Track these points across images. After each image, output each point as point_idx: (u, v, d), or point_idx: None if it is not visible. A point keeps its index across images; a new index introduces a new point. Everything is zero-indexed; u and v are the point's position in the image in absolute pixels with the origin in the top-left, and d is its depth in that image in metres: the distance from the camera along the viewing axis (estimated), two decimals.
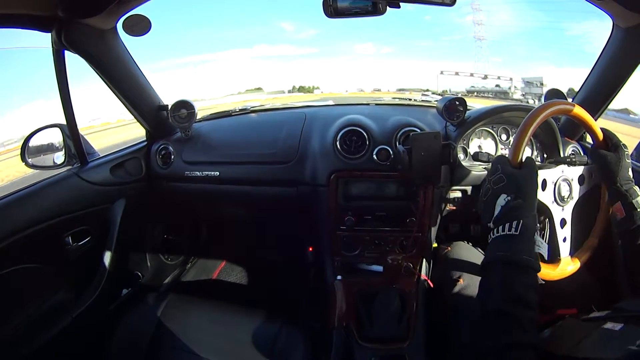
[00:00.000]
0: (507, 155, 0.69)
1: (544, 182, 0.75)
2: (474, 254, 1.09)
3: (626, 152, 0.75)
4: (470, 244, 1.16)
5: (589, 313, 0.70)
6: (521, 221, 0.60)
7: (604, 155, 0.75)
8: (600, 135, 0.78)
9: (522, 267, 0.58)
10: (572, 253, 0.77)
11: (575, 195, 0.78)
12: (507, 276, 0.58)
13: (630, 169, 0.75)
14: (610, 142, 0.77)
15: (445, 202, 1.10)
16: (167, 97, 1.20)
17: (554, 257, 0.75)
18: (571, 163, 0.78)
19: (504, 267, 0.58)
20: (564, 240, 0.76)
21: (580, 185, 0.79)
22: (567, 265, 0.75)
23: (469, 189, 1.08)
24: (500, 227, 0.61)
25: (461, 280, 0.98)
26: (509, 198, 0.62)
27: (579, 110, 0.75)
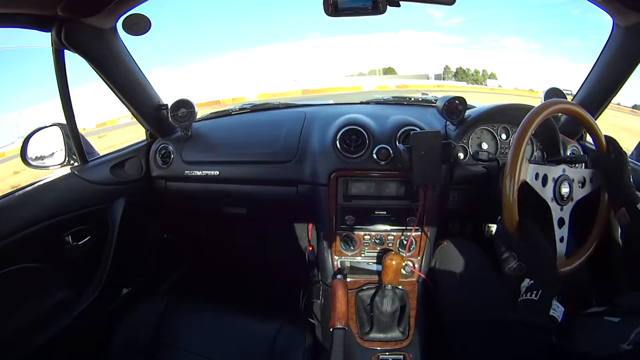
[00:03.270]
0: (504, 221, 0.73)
1: (545, 178, 0.75)
2: (467, 250, 1.09)
3: (628, 160, 0.75)
4: (459, 243, 1.16)
5: (588, 308, 0.71)
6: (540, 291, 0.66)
7: (606, 161, 0.75)
8: (601, 135, 0.78)
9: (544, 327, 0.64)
10: (568, 253, 0.77)
11: (576, 197, 0.78)
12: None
13: (631, 176, 0.75)
14: (612, 146, 0.77)
15: (445, 200, 1.10)
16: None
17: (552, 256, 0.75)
18: (572, 162, 0.78)
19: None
20: (561, 240, 0.76)
21: (581, 187, 0.79)
22: (563, 267, 0.75)
23: (468, 187, 1.08)
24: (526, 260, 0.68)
25: (445, 242, 0.99)
26: (531, 282, 0.68)
27: (580, 110, 0.75)
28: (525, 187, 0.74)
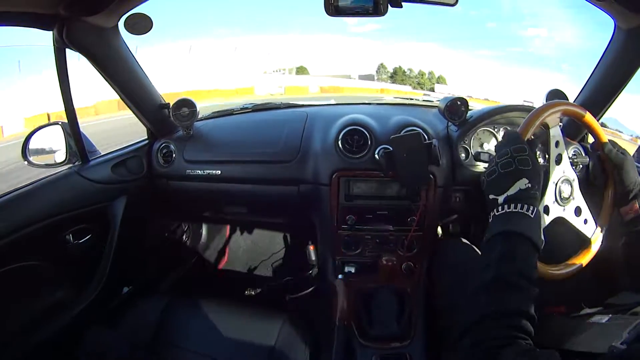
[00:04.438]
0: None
1: (546, 182, 0.75)
2: (464, 251, 1.09)
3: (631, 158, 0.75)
4: (460, 244, 1.16)
5: (578, 311, 0.71)
6: (536, 209, 0.60)
7: (610, 157, 0.75)
8: (603, 137, 0.78)
9: (534, 246, 0.58)
10: (597, 224, 0.78)
11: (576, 196, 0.78)
12: (519, 249, 0.57)
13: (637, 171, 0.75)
14: (616, 146, 0.77)
15: (447, 201, 1.10)
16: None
17: (585, 242, 0.76)
18: (573, 164, 0.79)
19: (517, 241, 0.58)
20: (585, 222, 0.76)
21: (581, 188, 0.79)
22: (598, 239, 0.76)
23: (470, 188, 1.08)
24: (513, 205, 0.60)
25: (455, 276, 0.99)
26: (529, 185, 0.61)
27: (582, 112, 0.75)
28: None
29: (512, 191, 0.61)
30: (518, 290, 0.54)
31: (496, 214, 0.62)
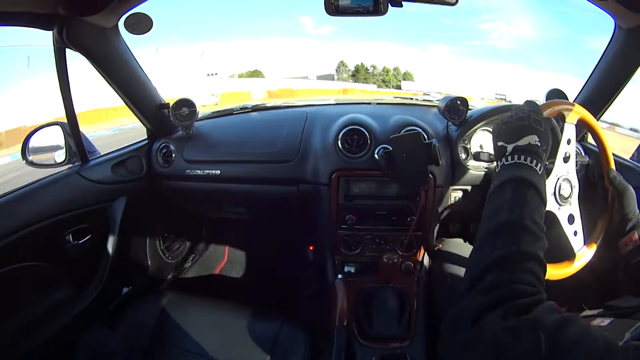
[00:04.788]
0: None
1: (548, 172, 0.75)
2: (463, 251, 1.09)
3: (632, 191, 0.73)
4: (462, 240, 1.16)
5: (579, 312, 0.70)
6: (543, 166, 0.60)
7: (613, 183, 0.74)
8: (612, 165, 0.77)
9: (542, 200, 0.57)
10: (586, 241, 0.76)
11: (573, 203, 0.78)
12: (529, 197, 0.56)
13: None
14: (618, 175, 0.75)
15: (446, 201, 1.10)
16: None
17: (569, 254, 0.75)
18: (567, 160, 0.78)
19: (528, 189, 0.56)
20: (575, 234, 0.75)
21: (580, 187, 0.79)
22: (583, 257, 0.75)
23: (469, 188, 1.08)
24: (523, 157, 0.59)
25: (440, 245, 0.98)
26: (538, 143, 0.61)
27: (583, 111, 0.74)
28: None
29: (522, 143, 0.61)
30: (534, 236, 0.52)
31: (505, 163, 0.61)
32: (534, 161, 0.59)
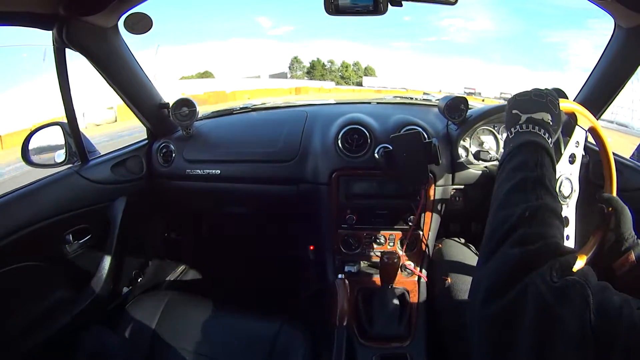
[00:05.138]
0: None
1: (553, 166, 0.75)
2: (463, 252, 1.09)
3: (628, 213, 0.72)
4: (463, 241, 1.16)
5: None
6: (553, 140, 0.60)
7: (612, 201, 0.73)
8: (604, 137, 0.77)
9: (554, 166, 0.56)
10: (576, 250, 0.76)
11: (570, 206, 0.78)
12: (546, 161, 0.55)
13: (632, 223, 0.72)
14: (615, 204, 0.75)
15: (447, 200, 1.10)
16: None
17: None
18: (572, 162, 0.78)
19: (544, 154, 0.56)
20: (567, 238, 0.75)
21: (580, 187, 0.79)
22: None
23: (470, 187, 1.08)
24: (537, 127, 0.59)
25: (449, 279, 0.98)
26: (551, 122, 0.61)
27: (583, 111, 0.74)
28: None
29: (536, 116, 0.61)
30: (553, 196, 0.50)
31: (519, 130, 0.61)
32: (547, 134, 0.59)
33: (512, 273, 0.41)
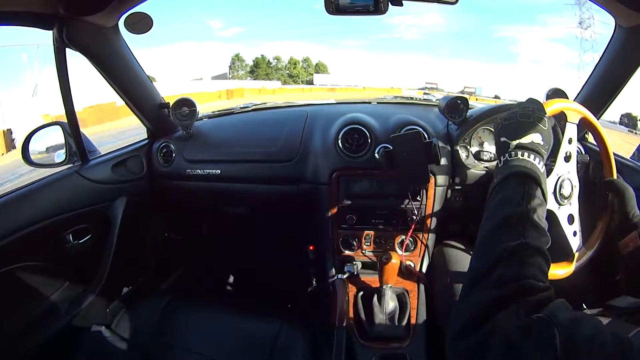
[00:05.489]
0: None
1: (549, 172, 0.75)
2: (462, 252, 1.09)
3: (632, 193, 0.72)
4: (463, 242, 1.16)
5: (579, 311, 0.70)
6: (545, 164, 0.60)
7: (612, 182, 0.74)
8: (604, 137, 0.77)
9: (544, 195, 0.56)
10: (585, 242, 0.76)
11: (573, 203, 0.77)
12: (534, 192, 0.55)
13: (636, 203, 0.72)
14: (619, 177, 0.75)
15: (447, 200, 1.10)
16: None
17: (568, 254, 0.74)
18: (568, 160, 0.78)
19: (532, 185, 0.56)
20: (574, 234, 0.75)
21: (580, 183, 0.79)
22: (582, 258, 0.74)
23: (470, 187, 1.08)
24: (527, 154, 0.59)
25: (451, 278, 0.98)
26: (541, 143, 0.61)
27: (583, 110, 0.74)
28: None
29: (525, 140, 0.61)
30: (539, 231, 0.51)
31: (508, 158, 0.61)
32: (537, 159, 0.59)
33: (484, 313, 0.42)
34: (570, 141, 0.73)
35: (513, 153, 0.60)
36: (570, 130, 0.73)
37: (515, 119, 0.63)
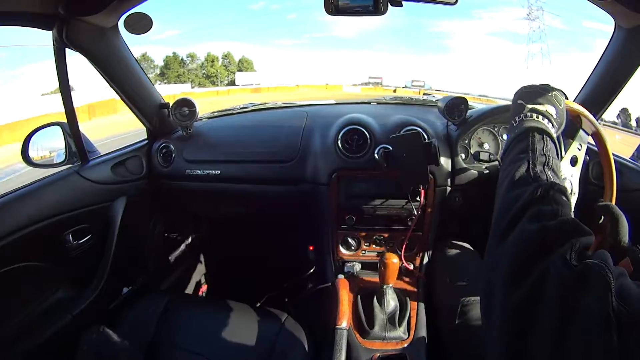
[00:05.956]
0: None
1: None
2: (462, 252, 1.09)
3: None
4: (462, 241, 1.16)
5: None
6: (556, 132, 0.62)
7: (609, 208, 0.74)
8: (604, 138, 0.77)
9: (559, 154, 0.58)
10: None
11: (575, 195, 0.77)
12: (551, 146, 0.56)
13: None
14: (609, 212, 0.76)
15: (446, 201, 1.10)
16: None
17: None
18: (572, 162, 0.78)
19: (549, 138, 0.57)
20: None
21: (579, 187, 0.79)
22: None
23: (469, 187, 1.08)
24: (541, 117, 0.61)
25: (451, 277, 0.98)
26: (555, 116, 0.62)
27: (583, 111, 0.74)
28: None
29: (540, 107, 0.63)
30: (559, 178, 0.51)
31: (523, 118, 0.62)
32: (550, 124, 0.61)
33: (532, 253, 0.40)
34: (580, 147, 0.75)
35: (529, 114, 0.62)
36: (582, 137, 0.75)
37: (535, 88, 0.66)
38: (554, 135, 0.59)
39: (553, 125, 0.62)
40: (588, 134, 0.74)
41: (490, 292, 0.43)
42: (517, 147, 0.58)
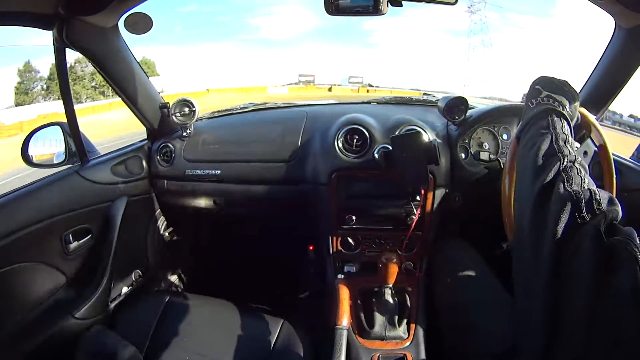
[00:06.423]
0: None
1: None
2: (462, 252, 1.09)
3: None
4: (462, 241, 1.16)
5: None
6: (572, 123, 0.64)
7: None
8: (604, 137, 0.77)
9: (574, 134, 0.61)
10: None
11: None
12: (566, 126, 0.60)
13: None
14: None
15: (446, 201, 1.10)
16: None
17: None
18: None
19: (565, 120, 0.60)
20: None
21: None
22: None
23: (469, 187, 1.08)
24: (557, 103, 0.63)
25: (451, 277, 0.98)
26: (569, 110, 0.64)
27: (583, 111, 0.74)
28: None
29: (556, 96, 0.65)
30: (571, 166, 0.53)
31: (540, 102, 0.65)
32: (565, 110, 0.63)
33: (570, 224, 0.45)
34: (585, 154, 0.75)
35: (545, 99, 0.64)
36: (589, 146, 0.76)
37: (554, 80, 0.68)
38: (570, 120, 0.62)
39: (569, 113, 0.64)
40: (595, 145, 0.75)
41: (537, 253, 0.48)
42: (538, 124, 0.61)
